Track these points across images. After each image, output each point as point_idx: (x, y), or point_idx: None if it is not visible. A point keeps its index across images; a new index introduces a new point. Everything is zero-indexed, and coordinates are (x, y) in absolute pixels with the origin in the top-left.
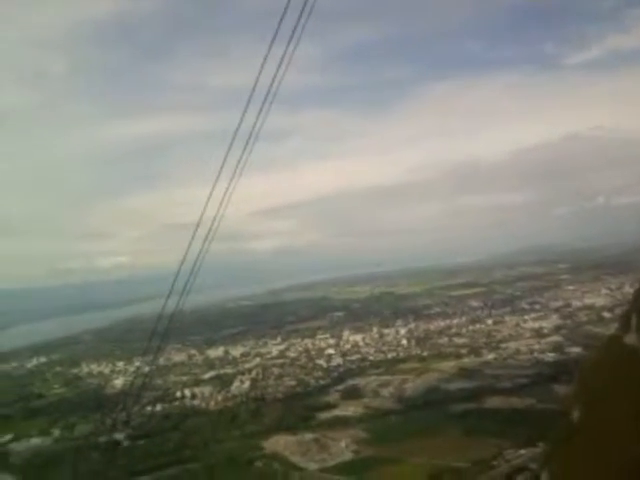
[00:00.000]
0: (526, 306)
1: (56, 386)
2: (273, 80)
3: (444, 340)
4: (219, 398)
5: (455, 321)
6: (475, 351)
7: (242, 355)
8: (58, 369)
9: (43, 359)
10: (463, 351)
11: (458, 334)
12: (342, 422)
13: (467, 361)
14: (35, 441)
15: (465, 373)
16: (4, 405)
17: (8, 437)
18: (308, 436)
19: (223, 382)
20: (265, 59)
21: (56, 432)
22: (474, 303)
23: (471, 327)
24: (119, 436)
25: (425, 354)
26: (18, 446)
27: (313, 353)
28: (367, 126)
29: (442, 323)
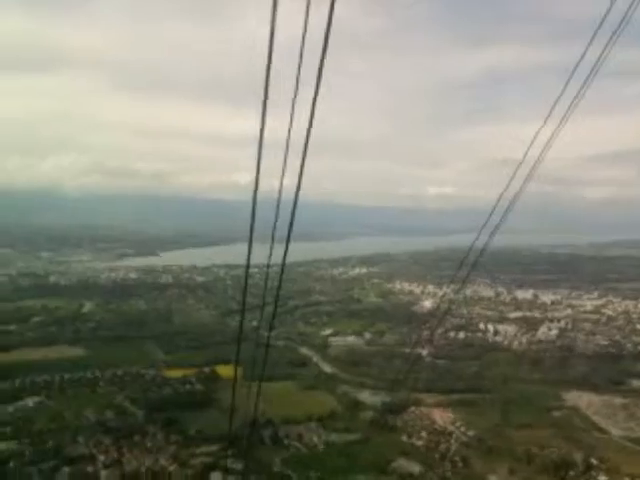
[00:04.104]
0: None
1: (372, 295)
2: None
3: None
4: (523, 340)
5: None
6: None
7: (553, 302)
8: (375, 281)
9: (364, 270)
10: None
11: None
12: None
13: None
14: (350, 339)
15: None
16: (328, 303)
17: (329, 331)
18: (617, 400)
19: (529, 325)
20: None
21: (368, 335)
22: None
23: None
24: (422, 351)
25: None
26: (336, 340)
27: (634, 316)
28: None
29: None
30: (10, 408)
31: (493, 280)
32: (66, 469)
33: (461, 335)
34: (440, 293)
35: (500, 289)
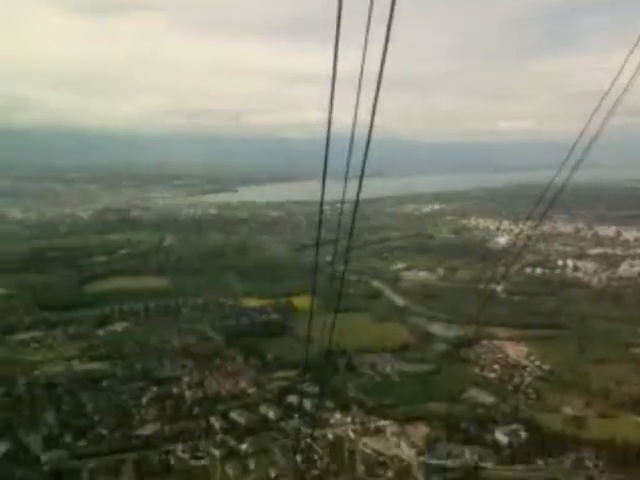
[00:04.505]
0: None
1: (445, 232)
2: None
3: None
4: (603, 276)
5: None
6: None
7: (636, 239)
8: (449, 217)
9: (437, 207)
10: None
11: None
12: None
13: None
14: (422, 274)
15: None
16: (400, 239)
17: (401, 266)
18: None
19: (610, 261)
20: None
21: (440, 271)
22: None
23: None
24: (497, 287)
25: None
26: (408, 275)
27: None
28: None
29: None
30: (101, 332)
31: (573, 216)
32: (154, 389)
33: (538, 271)
34: (516, 230)
35: (580, 225)
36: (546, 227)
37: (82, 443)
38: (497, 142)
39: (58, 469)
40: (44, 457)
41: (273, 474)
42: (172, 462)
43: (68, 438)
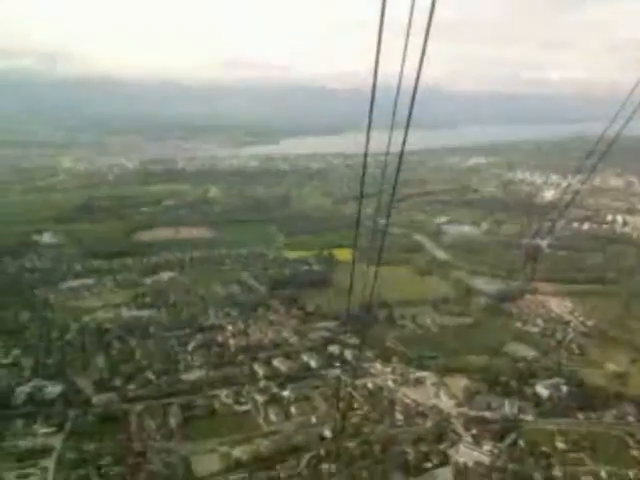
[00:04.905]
0: None
1: (491, 185)
2: None
3: None
4: None
5: None
6: None
7: None
8: (495, 171)
9: (482, 159)
10: None
11: None
12: None
13: None
14: (465, 228)
15: None
16: (443, 192)
17: (443, 219)
18: None
19: None
20: None
21: (484, 225)
22: None
23: None
24: (542, 242)
25: None
26: (450, 229)
27: None
28: None
29: None
30: (148, 280)
31: (624, 170)
32: (199, 336)
33: (585, 226)
34: (564, 184)
35: (631, 179)
36: (597, 181)
37: (131, 387)
38: (549, 92)
39: (108, 411)
40: (95, 399)
41: (314, 420)
42: (216, 407)
43: (117, 382)
